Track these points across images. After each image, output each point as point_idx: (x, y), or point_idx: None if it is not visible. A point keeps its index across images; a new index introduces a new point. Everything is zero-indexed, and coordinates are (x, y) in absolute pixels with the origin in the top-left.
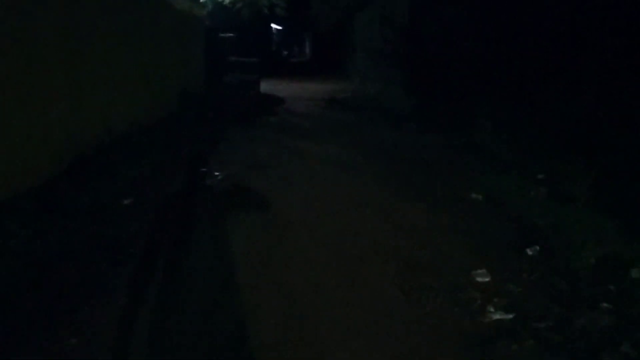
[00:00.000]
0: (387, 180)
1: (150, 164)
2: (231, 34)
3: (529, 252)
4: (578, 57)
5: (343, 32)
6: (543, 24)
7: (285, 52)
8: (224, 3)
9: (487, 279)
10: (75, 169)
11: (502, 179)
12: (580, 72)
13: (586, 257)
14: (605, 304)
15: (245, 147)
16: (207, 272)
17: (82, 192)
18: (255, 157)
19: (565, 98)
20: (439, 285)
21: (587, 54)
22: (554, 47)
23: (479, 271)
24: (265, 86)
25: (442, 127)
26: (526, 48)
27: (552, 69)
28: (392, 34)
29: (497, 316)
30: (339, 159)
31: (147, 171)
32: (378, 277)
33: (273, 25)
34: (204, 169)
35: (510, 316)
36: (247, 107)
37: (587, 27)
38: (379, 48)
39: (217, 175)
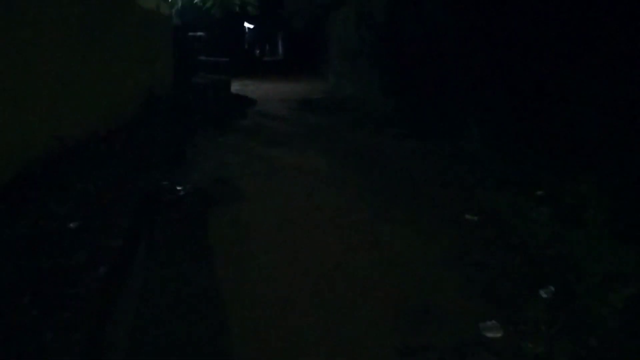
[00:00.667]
0: (371, 197)
1: (106, 178)
2: (201, 33)
3: (544, 294)
4: (581, 55)
5: (317, 31)
6: (540, 19)
7: (258, 51)
8: (194, 1)
9: (498, 335)
10: (17, 186)
11: (497, 195)
12: (584, 70)
13: (612, 298)
14: None
15: (214, 155)
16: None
17: (22, 214)
18: (223, 168)
19: (564, 103)
20: (442, 343)
21: (593, 50)
22: (552, 45)
23: (489, 323)
24: (237, 86)
25: (425, 133)
26: (519, 46)
27: (548, 69)
28: (369, 33)
29: None
30: (317, 170)
31: (102, 186)
32: (367, 332)
33: (246, 24)
34: (165, 182)
35: None
36: (217, 109)
37: (588, 23)
38: (356, 47)
39: (179, 191)
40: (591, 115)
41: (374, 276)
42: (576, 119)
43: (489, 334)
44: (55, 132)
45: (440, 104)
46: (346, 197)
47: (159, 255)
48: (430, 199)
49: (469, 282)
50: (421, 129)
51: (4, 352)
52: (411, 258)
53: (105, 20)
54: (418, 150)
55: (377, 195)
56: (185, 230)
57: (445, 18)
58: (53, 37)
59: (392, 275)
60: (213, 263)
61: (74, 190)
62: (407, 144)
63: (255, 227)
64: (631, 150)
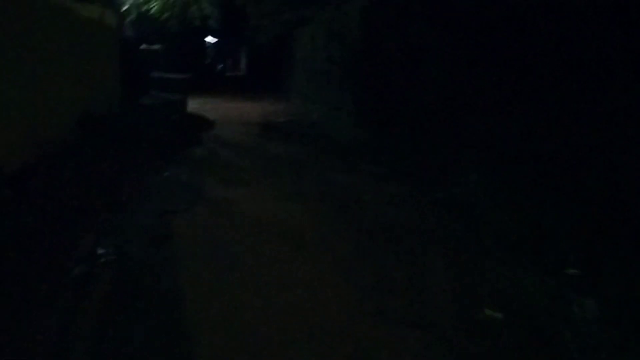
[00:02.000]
0: (353, 273)
1: (3, 239)
2: (157, 47)
3: None
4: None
5: (282, 48)
6: (546, 36)
7: (220, 66)
8: (150, 13)
9: None
10: None
11: (517, 275)
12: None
13: None
14: None
15: (155, 198)
16: None
17: None
18: (163, 220)
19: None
20: None
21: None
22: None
23: None
24: (196, 104)
25: (408, 173)
26: (525, 70)
27: (558, 99)
28: (340, 52)
29: None
30: (281, 223)
31: None
32: None
33: (209, 38)
34: (87, 242)
35: None
36: (167, 134)
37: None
38: (324, 67)
39: (101, 257)
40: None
41: None
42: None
43: None
44: None
45: (425, 137)
46: (322, 269)
47: None
48: (432, 278)
49: None
50: (402, 167)
51: None
52: None
53: (26, 26)
54: (402, 198)
55: (361, 269)
56: (100, 326)
57: (433, 39)
58: None
59: None
60: None
61: None
62: (387, 187)
63: (192, 342)
64: None
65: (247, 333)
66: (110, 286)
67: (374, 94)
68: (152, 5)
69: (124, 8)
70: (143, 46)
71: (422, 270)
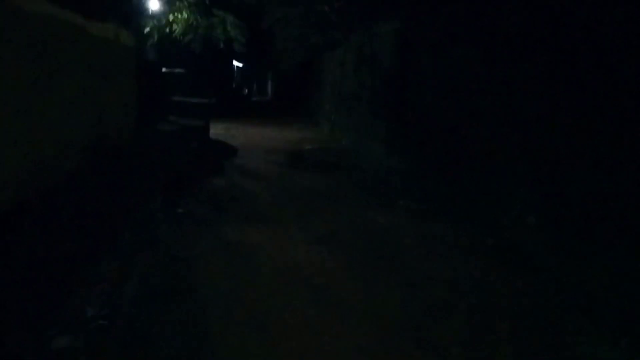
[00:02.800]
0: (402, 347)
1: None
2: (180, 70)
3: None
4: None
5: (309, 72)
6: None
7: (246, 90)
8: (173, 35)
9: None
10: None
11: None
12: None
13: None
14: None
15: (163, 243)
16: None
17: None
18: (171, 270)
19: None
20: None
21: None
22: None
23: None
24: (220, 129)
25: (449, 210)
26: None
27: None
28: (371, 77)
29: None
30: (312, 276)
31: None
32: None
33: (235, 63)
34: (74, 301)
35: None
36: (185, 164)
37: None
38: (354, 92)
39: (90, 323)
40: None
41: None
42: None
43: None
44: None
45: (466, 169)
46: (363, 342)
47: None
48: None
49: None
50: (442, 202)
51: None
52: None
53: (27, 42)
54: (447, 242)
55: (411, 343)
56: None
57: (477, 60)
58: None
59: None
60: None
61: None
62: (429, 227)
63: None
64: None
65: None
66: None
67: (408, 121)
68: (174, 28)
69: (146, 30)
70: (164, 69)
71: (489, 347)
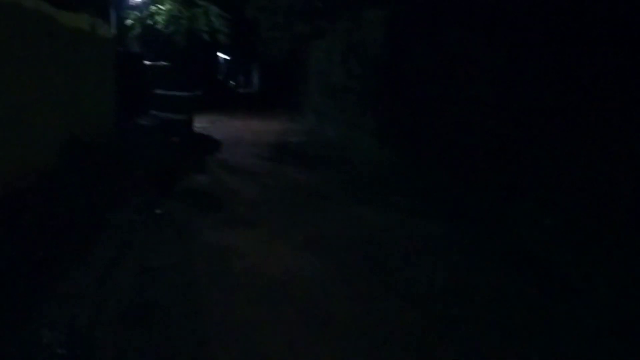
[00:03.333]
0: None
1: None
2: (164, 63)
3: None
4: None
5: (295, 63)
6: None
7: (233, 83)
8: (156, 27)
9: None
10: None
11: None
12: None
13: None
14: None
15: (136, 248)
16: None
17: None
18: (142, 282)
19: None
20: None
21: None
22: None
23: None
24: (204, 123)
25: (447, 209)
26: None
27: None
28: (360, 65)
29: None
30: (300, 288)
31: None
32: None
33: (221, 55)
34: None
35: None
36: (166, 160)
37: None
38: (341, 82)
39: (45, 350)
40: None
41: None
42: None
43: None
44: None
45: (464, 162)
46: None
47: None
48: None
49: None
50: (439, 198)
51: None
52: None
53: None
54: (449, 246)
55: None
56: None
57: (474, 44)
58: None
59: None
60: None
61: None
62: (427, 228)
63: None
64: None
65: None
66: None
67: (399, 111)
68: (156, 19)
69: (128, 22)
70: (148, 63)
71: None
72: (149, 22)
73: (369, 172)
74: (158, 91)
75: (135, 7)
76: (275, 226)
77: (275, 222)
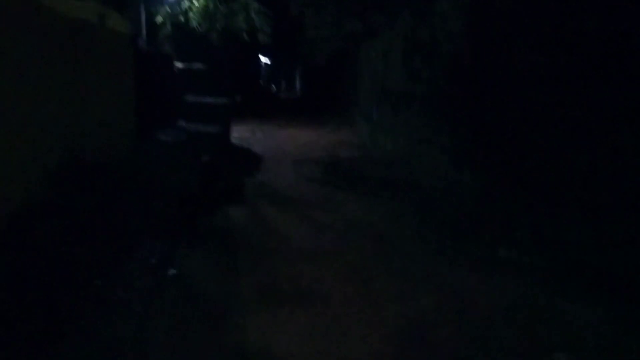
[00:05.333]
0: None
1: None
2: (199, 65)
3: None
4: None
5: (344, 65)
6: None
7: (274, 87)
8: (189, 24)
9: None
10: None
11: None
12: None
13: None
14: None
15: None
16: None
17: None
18: None
19: None
20: None
21: None
22: None
23: None
24: (244, 132)
25: (589, 271)
26: None
27: None
28: (429, 69)
29: None
30: None
31: None
32: None
33: (262, 58)
34: None
35: None
36: (192, 188)
37: None
38: (402, 88)
39: None
40: None
41: None
42: None
43: None
44: None
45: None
46: None
47: None
48: None
49: None
50: (567, 251)
51: None
52: None
53: None
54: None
55: None
56: None
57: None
58: None
59: None
60: None
61: None
62: (574, 311)
63: None
64: None
65: None
66: None
67: (486, 123)
68: (189, 16)
69: (157, 19)
70: (180, 65)
71: None
72: (182, 19)
73: (449, 204)
74: (189, 98)
75: (166, 3)
76: (337, 303)
77: (338, 295)
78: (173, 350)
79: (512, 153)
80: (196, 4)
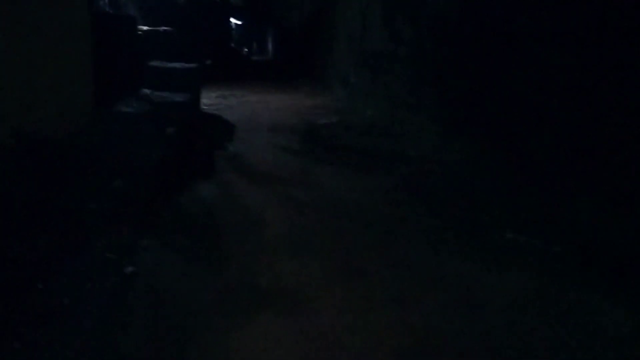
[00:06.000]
0: None
1: None
2: (166, 28)
3: None
4: None
5: (319, 26)
6: None
7: (246, 50)
8: None
9: None
10: None
11: None
12: None
13: None
14: None
15: None
16: None
17: None
18: None
19: None
20: None
21: None
22: None
23: None
24: (215, 99)
25: (612, 256)
26: None
27: None
28: (413, 28)
29: None
30: None
31: None
32: None
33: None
34: None
35: None
36: (153, 165)
37: None
38: (383, 49)
39: None
40: None
41: None
42: None
43: None
44: None
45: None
46: None
47: None
48: None
49: None
50: (580, 232)
51: None
52: None
53: None
54: None
55: None
56: None
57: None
58: None
59: None
60: None
61: None
62: (601, 309)
63: None
64: None
65: None
66: None
67: (479, 87)
68: None
69: None
70: (146, 28)
71: None
72: None
73: (442, 179)
74: (155, 64)
75: None
76: (329, 312)
77: (326, 297)
78: None
79: (510, 122)
80: None
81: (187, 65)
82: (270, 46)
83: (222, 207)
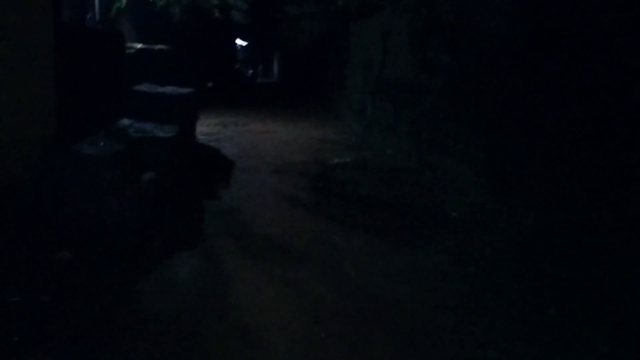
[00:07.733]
0: None
1: None
2: (161, 47)
3: None
4: None
5: (329, 49)
6: None
7: (251, 72)
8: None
9: None
10: None
11: None
12: None
13: None
14: None
15: None
16: None
17: None
18: None
19: None
20: None
21: None
22: None
23: None
24: (213, 126)
25: None
26: None
27: None
28: (453, 54)
29: None
30: None
31: None
32: None
33: (238, 41)
34: None
35: None
36: (121, 226)
37: None
38: (410, 78)
39: None
40: None
41: None
42: None
43: None
44: None
45: None
46: None
47: None
48: None
49: None
50: None
51: None
52: None
53: None
54: None
55: None
56: None
57: None
58: None
59: None
60: None
61: None
62: None
63: None
64: None
65: None
66: None
67: (551, 129)
68: None
69: None
70: (140, 46)
71: None
72: None
73: (511, 259)
74: (140, 87)
75: None
76: None
77: None
78: None
79: (603, 176)
80: None
81: (180, 90)
82: (276, 68)
83: (201, 308)
